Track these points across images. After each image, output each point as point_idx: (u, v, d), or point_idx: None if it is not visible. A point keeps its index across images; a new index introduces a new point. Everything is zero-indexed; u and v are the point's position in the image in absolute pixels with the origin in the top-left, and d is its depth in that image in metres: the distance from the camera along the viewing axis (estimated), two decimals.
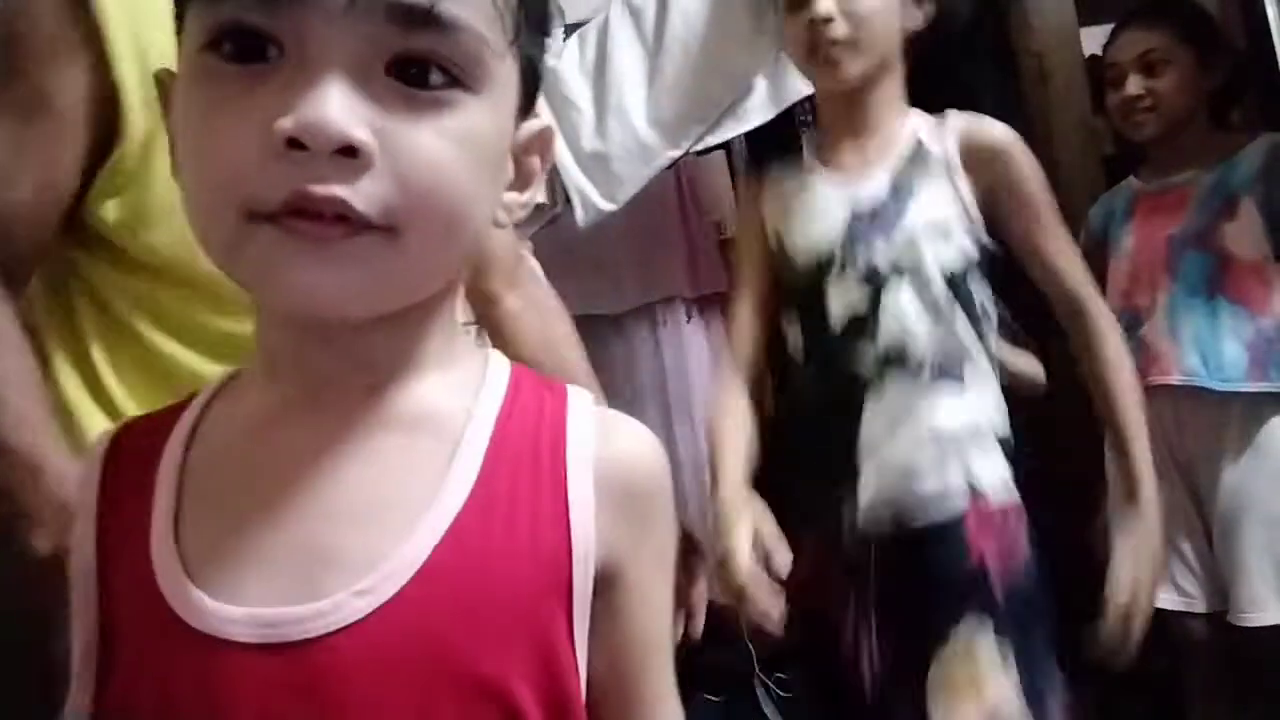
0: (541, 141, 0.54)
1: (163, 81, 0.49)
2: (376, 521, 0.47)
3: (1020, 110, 2.42)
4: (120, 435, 0.54)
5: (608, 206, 1.90)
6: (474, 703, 0.46)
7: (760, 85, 1.78)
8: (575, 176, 1.91)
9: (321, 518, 0.47)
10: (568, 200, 1.95)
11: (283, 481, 0.48)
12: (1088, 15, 2.04)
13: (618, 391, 2.31)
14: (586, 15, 2.08)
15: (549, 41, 0.52)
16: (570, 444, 0.51)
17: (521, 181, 0.53)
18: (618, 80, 1.88)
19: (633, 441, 0.54)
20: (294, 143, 0.40)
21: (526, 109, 0.52)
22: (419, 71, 0.43)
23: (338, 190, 0.41)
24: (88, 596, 0.50)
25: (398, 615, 0.45)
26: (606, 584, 0.50)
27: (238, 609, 0.45)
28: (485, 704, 0.46)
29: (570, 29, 2.11)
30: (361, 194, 0.42)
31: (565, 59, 1.96)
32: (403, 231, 0.43)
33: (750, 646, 2.30)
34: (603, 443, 0.52)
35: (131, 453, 0.52)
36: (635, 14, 1.89)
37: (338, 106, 0.41)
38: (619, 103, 1.87)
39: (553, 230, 2.05)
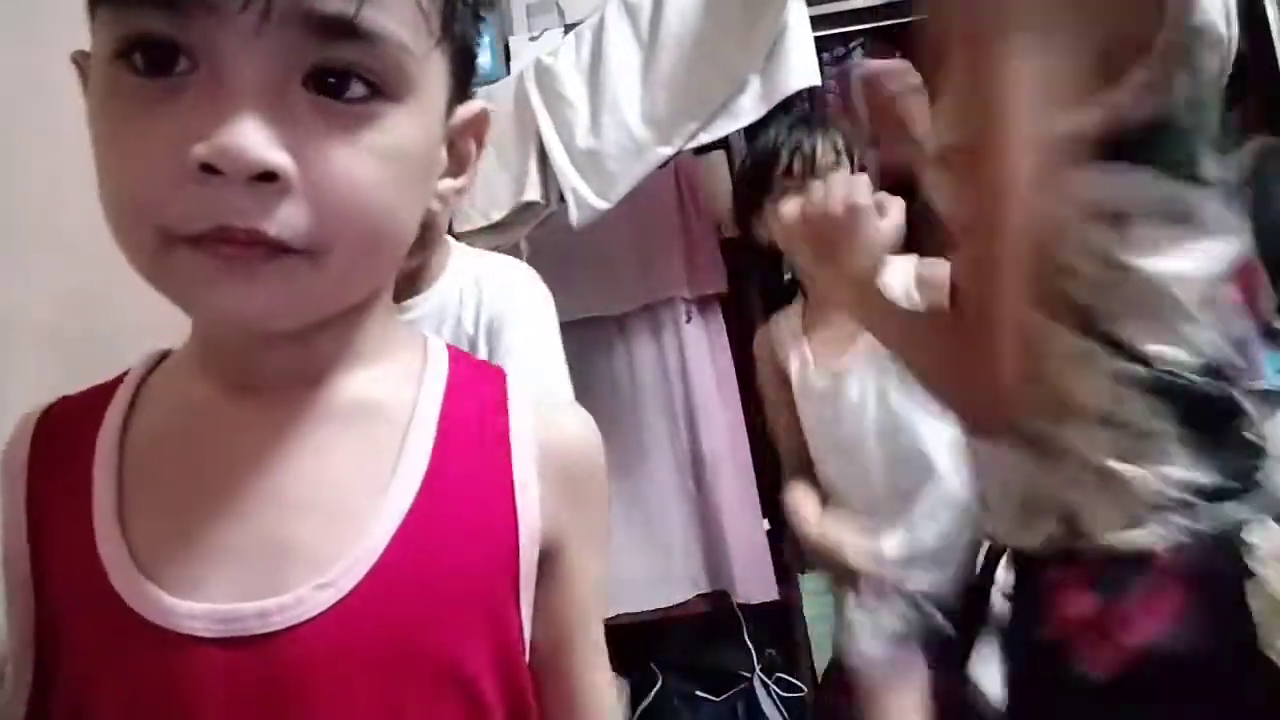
0: (476, 125, 0.53)
1: (79, 63, 0.48)
2: (332, 512, 0.48)
3: None
4: (45, 418, 0.53)
5: (601, 205, 1.89)
6: (437, 687, 0.47)
7: (753, 82, 1.77)
8: (569, 175, 1.90)
9: (277, 510, 0.47)
10: (562, 199, 1.95)
11: (233, 473, 0.48)
12: None
13: (619, 392, 2.31)
14: (587, 15, 2.07)
15: (484, 15, 0.51)
16: (513, 428, 0.52)
17: (456, 165, 0.53)
18: (612, 77, 1.87)
19: (572, 424, 0.55)
20: (209, 167, 0.40)
21: (461, 92, 0.51)
22: (337, 82, 0.42)
23: (256, 223, 0.41)
24: (22, 584, 0.49)
25: (360, 606, 0.46)
26: (549, 560, 0.52)
27: (198, 604, 0.45)
28: (448, 687, 0.47)
29: (570, 29, 2.11)
30: (280, 222, 0.41)
31: (561, 57, 1.96)
32: (325, 254, 0.43)
33: (750, 646, 2.30)
34: (543, 426, 0.53)
35: (61, 435, 0.51)
36: (631, 12, 1.88)
37: (253, 132, 0.40)
38: (613, 100, 1.86)
39: (552, 232, 2.04)
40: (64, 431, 0.51)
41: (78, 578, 0.47)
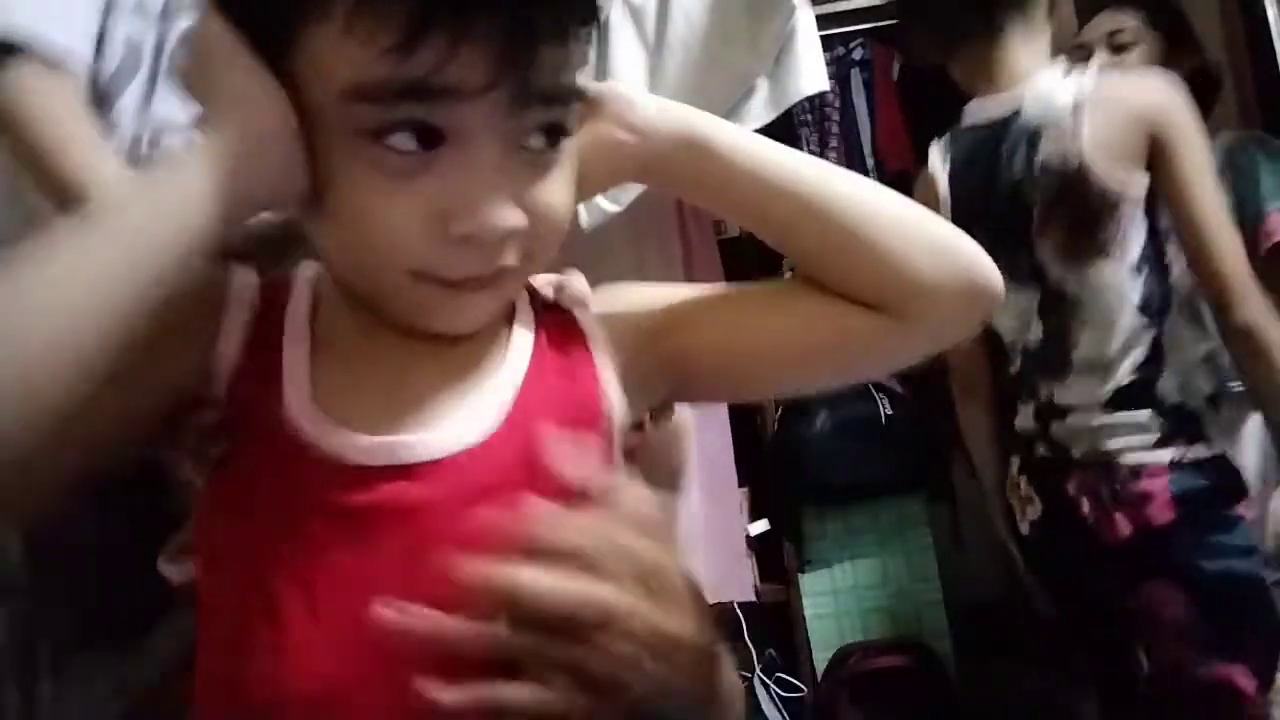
0: None
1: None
2: (467, 377, 0.55)
3: None
4: (267, 281, 0.57)
5: (611, 208, 1.89)
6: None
7: (761, 86, 1.77)
8: None
9: (425, 386, 0.54)
10: None
11: (392, 366, 0.55)
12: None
13: None
14: None
15: None
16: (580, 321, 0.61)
17: None
18: (618, 81, 1.87)
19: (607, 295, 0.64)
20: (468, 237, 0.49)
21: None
22: (539, 134, 0.50)
23: (499, 265, 0.51)
24: (216, 391, 0.53)
25: (498, 441, 0.53)
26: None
27: (367, 437, 0.51)
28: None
29: None
30: (512, 255, 0.51)
31: None
32: (531, 260, 0.53)
33: (750, 646, 2.30)
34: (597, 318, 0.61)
35: (270, 297, 0.56)
36: (636, 15, 1.88)
37: (502, 206, 0.49)
38: None
39: None
40: (270, 296, 0.57)
41: (266, 420, 0.52)
